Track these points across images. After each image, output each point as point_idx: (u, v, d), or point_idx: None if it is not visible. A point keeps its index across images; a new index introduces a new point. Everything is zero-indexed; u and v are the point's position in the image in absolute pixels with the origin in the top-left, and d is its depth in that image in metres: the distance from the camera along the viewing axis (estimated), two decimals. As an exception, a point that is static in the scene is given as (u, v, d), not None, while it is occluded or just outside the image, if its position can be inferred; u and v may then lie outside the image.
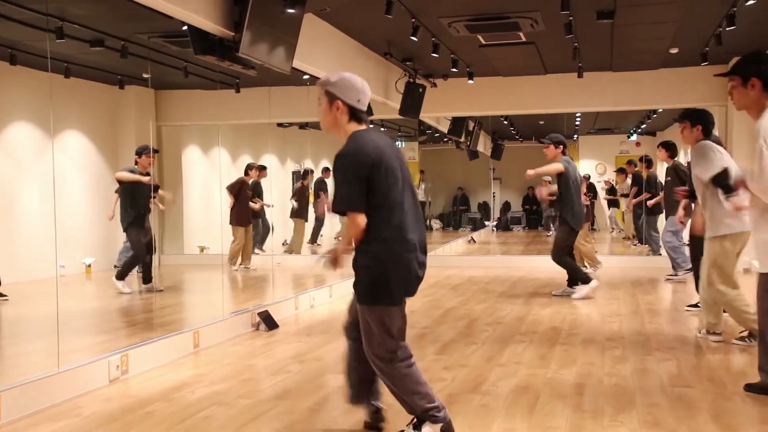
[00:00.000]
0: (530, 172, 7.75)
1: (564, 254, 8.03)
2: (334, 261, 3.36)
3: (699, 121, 5.37)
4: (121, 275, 7.52)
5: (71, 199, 7.43)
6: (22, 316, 6.93)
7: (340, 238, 13.12)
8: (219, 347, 5.71)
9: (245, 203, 10.54)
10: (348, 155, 3.16)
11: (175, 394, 4.36)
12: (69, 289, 7.40)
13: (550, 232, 15.97)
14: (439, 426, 3.28)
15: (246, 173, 10.71)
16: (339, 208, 3.18)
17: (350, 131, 3.26)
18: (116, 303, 7.50)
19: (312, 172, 13.18)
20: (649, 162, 12.52)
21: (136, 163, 7.63)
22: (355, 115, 3.27)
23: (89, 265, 7.71)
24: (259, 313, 6.45)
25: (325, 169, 13.52)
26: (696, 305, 6.61)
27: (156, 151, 7.85)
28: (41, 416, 3.95)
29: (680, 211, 7.01)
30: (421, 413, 3.28)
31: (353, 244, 3.22)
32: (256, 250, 11.31)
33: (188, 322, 7.04)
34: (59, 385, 4.23)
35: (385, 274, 3.18)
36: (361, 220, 3.14)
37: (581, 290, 7.95)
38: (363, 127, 3.29)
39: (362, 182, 3.12)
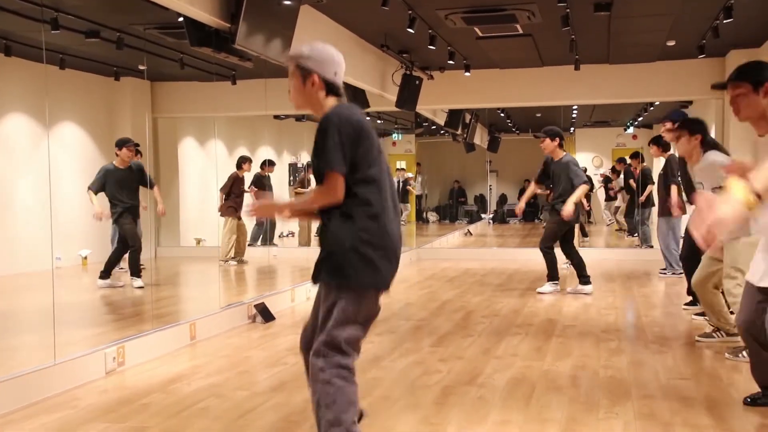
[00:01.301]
0: (568, 211, 7.42)
1: (551, 245, 7.84)
2: (268, 208, 3.29)
3: (699, 130, 5.24)
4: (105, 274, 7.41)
5: (67, 191, 7.39)
6: (18, 309, 6.92)
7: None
8: (215, 339, 5.72)
9: (238, 197, 10.37)
10: (336, 116, 2.82)
11: (171, 386, 4.37)
12: (65, 281, 7.38)
13: None
14: None
15: (239, 167, 10.51)
16: (324, 166, 2.78)
17: (328, 107, 2.91)
18: (112, 295, 7.49)
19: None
20: (642, 157, 12.51)
21: (117, 155, 7.37)
22: (332, 89, 2.93)
23: (85, 257, 7.70)
24: (255, 305, 6.45)
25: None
26: (694, 304, 6.41)
27: (136, 145, 7.62)
28: (37, 408, 3.95)
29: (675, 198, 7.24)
30: None
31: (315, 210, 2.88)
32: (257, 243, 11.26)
33: (185, 314, 7.03)
34: (55, 377, 4.23)
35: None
36: (341, 185, 2.78)
37: (547, 287, 7.86)
38: (342, 102, 2.98)
39: (346, 148, 2.77)
